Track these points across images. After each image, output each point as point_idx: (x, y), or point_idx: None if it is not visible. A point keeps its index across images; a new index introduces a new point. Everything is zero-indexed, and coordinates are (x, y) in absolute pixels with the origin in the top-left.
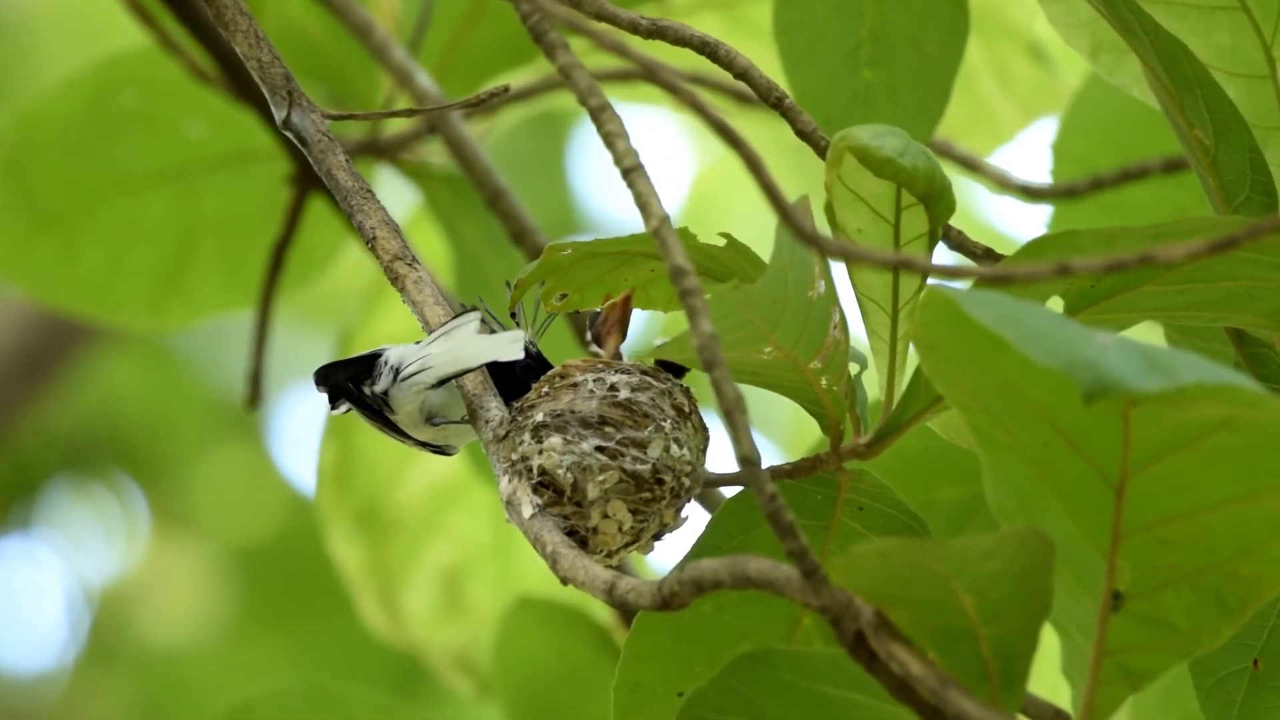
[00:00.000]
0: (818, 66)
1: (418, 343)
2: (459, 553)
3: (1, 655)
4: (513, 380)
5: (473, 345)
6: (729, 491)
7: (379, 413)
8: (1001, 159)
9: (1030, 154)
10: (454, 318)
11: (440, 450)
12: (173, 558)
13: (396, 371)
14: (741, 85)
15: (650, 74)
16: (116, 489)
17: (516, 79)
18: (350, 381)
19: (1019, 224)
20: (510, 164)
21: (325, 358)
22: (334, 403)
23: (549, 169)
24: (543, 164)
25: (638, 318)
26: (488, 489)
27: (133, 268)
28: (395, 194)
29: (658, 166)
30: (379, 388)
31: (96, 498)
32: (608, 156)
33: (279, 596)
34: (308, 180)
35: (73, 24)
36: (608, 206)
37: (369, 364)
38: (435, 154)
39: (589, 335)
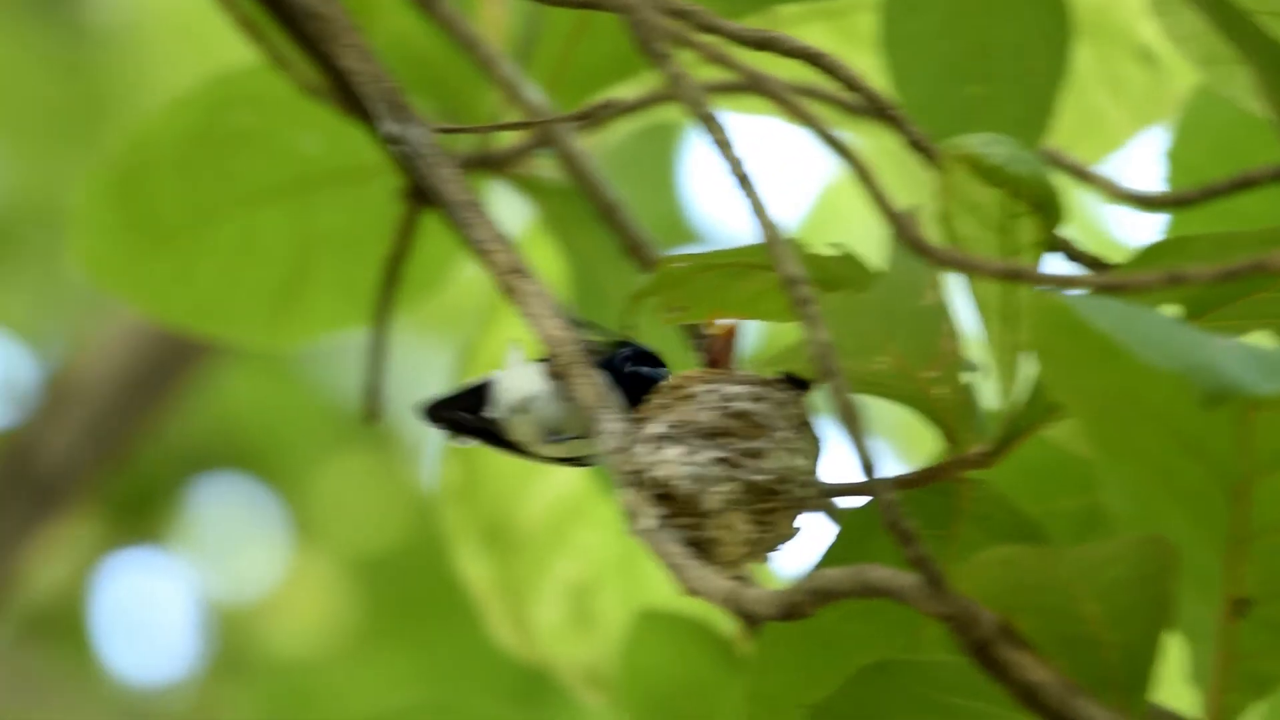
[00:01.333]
0: (924, 80)
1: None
2: (586, 567)
3: (131, 665)
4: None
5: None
6: (850, 502)
7: (499, 439)
8: (1113, 167)
9: (1141, 162)
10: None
11: (578, 463)
12: (298, 569)
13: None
14: (852, 97)
15: (757, 85)
16: (242, 500)
17: (626, 91)
18: (465, 411)
19: (1135, 230)
20: (620, 175)
21: (446, 371)
22: (454, 436)
23: (659, 180)
24: (652, 175)
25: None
26: (612, 503)
27: (249, 285)
28: (509, 208)
29: (781, 177)
30: (492, 413)
31: (222, 509)
32: (718, 166)
33: (404, 606)
34: (421, 195)
35: (181, 38)
36: (719, 216)
37: (478, 393)
38: (547, 168)
39: (701, 357)
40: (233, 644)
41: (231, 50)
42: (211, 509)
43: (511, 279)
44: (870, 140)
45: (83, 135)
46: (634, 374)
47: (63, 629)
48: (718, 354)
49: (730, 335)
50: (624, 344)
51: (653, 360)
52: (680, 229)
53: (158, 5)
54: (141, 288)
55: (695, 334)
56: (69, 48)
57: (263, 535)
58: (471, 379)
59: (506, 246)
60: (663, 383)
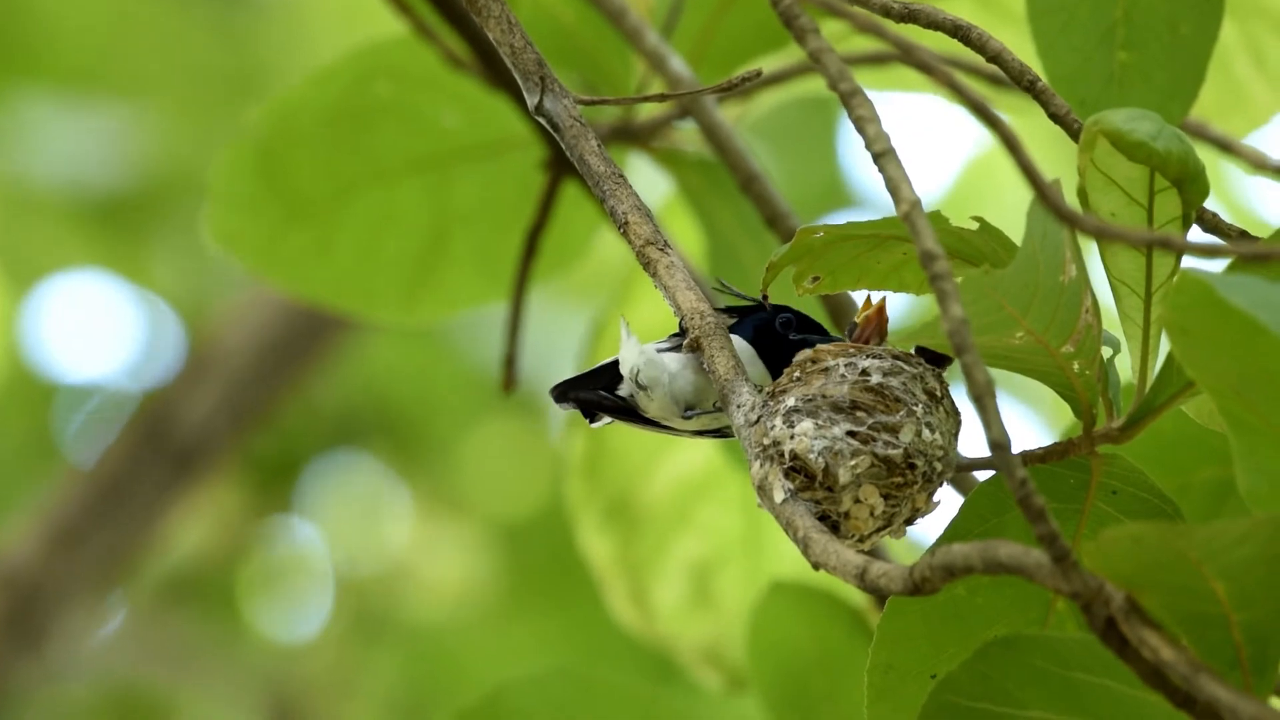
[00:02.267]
0: (1071, 49)
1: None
2: (708, 546)
3: (272, 626)
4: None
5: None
6: (982, 475)
7: (637, 415)
8: (1257, 140)
9: None
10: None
11: (719, 434)
12: (439, 534)
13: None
14: (995, 70)
15: (907, 55)
16: (384, 465)
17: (770, 63)
18: (601, 390)
19: (1275, 208)
20: (779, 141)
21: (581, 342)
22: (590, 417)
23: (819, 145)
24: (812, 140)
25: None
26: (737, 481)
27: (387, 260)
28: (648, 180)
29: (923, 152)
30: (624, 391)
31: (364, 474)
32: (859, 140)
33: (541, 574)
34: (561, 166)
35: (336, 8)
36: (876, 182)
37: (611, 371)
38: (688, 140)
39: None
40: (372, 608)
41: (384, 21)
42: (354, 475)
43: (649, 250)
44: (1012, 118)
45: (237, 103)
46: (800, 340)
47: (205, 594)
48: (868, 337)
49: (879, 315)
50: (780, 309)
51: (813, 327)
52: (839, 193)
53: None
54: (278, 263)
55: (836, 300)
56: (227, 15)
57: (403, 499)
58: (603, 360)
59: (646, 218)
60: (799, 356)
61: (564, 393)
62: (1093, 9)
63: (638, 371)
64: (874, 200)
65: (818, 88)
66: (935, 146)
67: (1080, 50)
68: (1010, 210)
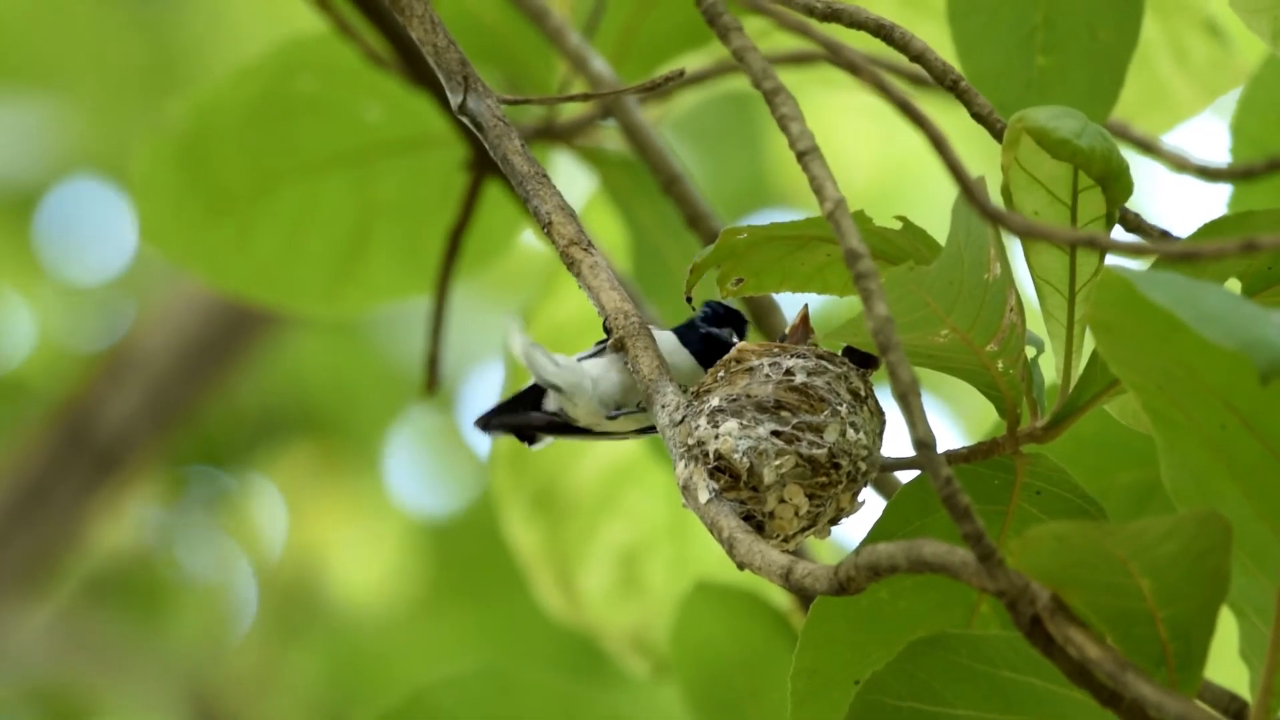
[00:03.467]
0: (992, 52)
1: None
2: (635, 533)
3: (193, 625)
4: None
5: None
6: (905, 476)
7: (571, 428)
8: (1178, 139)
9: (1207, 134)
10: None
11: (651, 433)
12: (361, 531)
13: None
14: (917, 70)
15: (833, 54)
16: (305, 462)
17: (692, 63)
18: (530, 410)
19: (1194, 210)
20: (701, 139)
21: (502, 340)
22: (527, 439)
23: (741, 143)
24: (734, 138)
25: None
26: (664, 469)
27: (309, 253)
28: (571, 179)
29: (843, 151)
30: (551, 406)
31: (285, 471)
32: (783, 139)
33: (465, 571)
34: (484, 165)
35: (256, 3)
36: (799, 182)
37: (534, 394)
38: (611, 139)
39: None
40: (294, 607)
41: (303, 13)
42: (275, 472)
43: (573, 250)
44: (939, 116)
45: (154, 95)
46: (708, 335)
47: (125, 592)
48: (793, 334)
49: (804, 326)
50: (709, 304)
51: (735, 320)
52: (761, 192)
53: None
54: (202, 255)
55: (759, 302)
56: (144, 5)
57: (323, 498)
58: (519, 388)
59: (570, 218)
60: (724, 356)
61: (488, 422)
62: (1013, 12)
63: (551, 374)
64: (796, 199)
65: (741, 85)
66: (850, 147)
67: (1001, 53)
68: (926, 211)
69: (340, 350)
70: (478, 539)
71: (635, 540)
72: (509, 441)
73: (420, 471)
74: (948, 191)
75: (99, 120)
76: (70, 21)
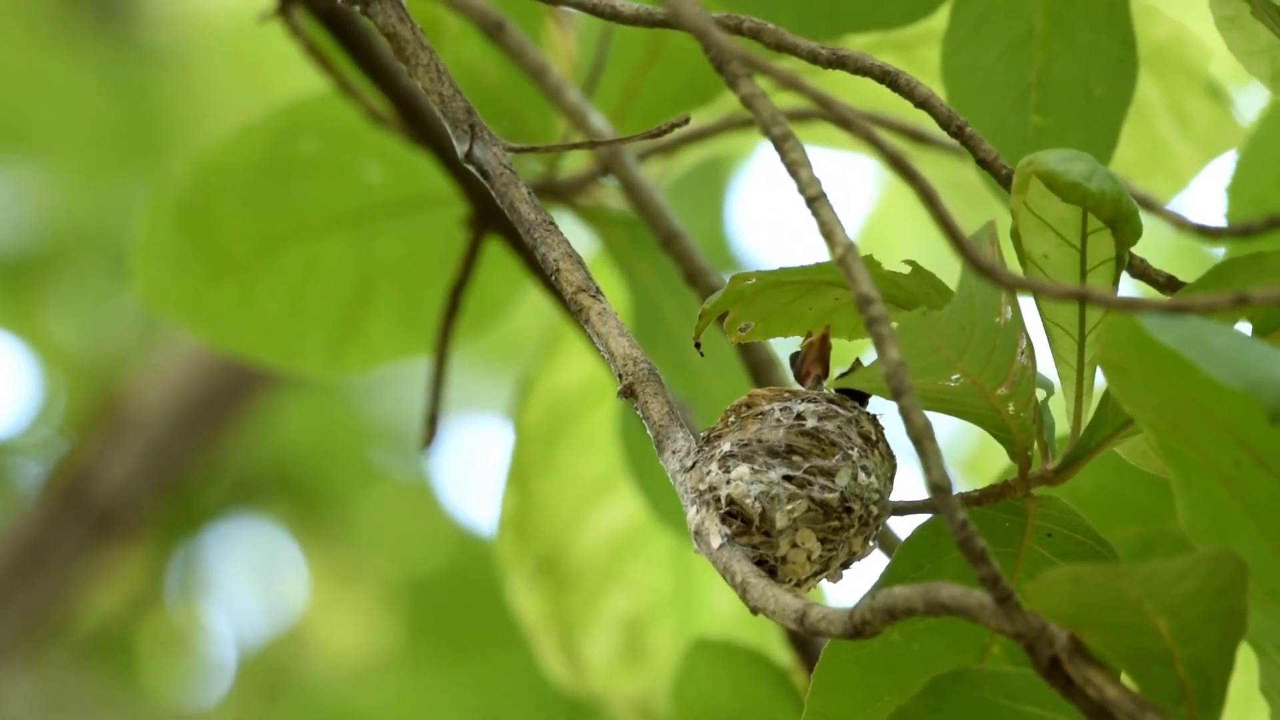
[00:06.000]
0: (986, 111)
1: None
2: (639, 602)
3: (172, 688)
4: None
5: None
6: (911, 521)
7: None
8: (1179, 199)
9: (1208, 193)
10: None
11: None
12: (339, 594)
13: None
14: (917, 124)
15: (826, 107)
16: (282, 524)
17: (691, 122)
18: None
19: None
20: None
21: (503, 401)
22: None
23: (707, 214)
24: (701, 204)
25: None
26: (667, 536)
27: (310, 314)
28: (572, 237)
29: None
30: None
31: (263, 534)
32: (789, 187)
33: (447, 632)
34: (484, 223)
35: (236, 59)
36: (768, 251)
37: None
38: (610, 197)
39: (793, 375)
40: (274, 668)
41: (289, 70)
42: (253, 535)
43: (582, 297)
44: (932, 171)
45: (132, 156)
46: None
47: (107, 654)
48: (809, 366)
49: (821, 345)
50: None
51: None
52: (727, 263)
53: (213, 25)
54: (203, 317)
55: (757, 350)
56: (119, 65)
57: (304, 558)
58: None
59: (578, 265)
60: (735, 402)
61: None
62: (1007, 72)
63: None
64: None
65: (720, 150)
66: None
67: (995, 113)
68: (921, 257)
69: (327, 411)
70: (456, 601)
71: (639, 609)
72: (514, 508)
73: (397, 531)
74: (924, 240)
75: (77, 184)
76: (43, 84)
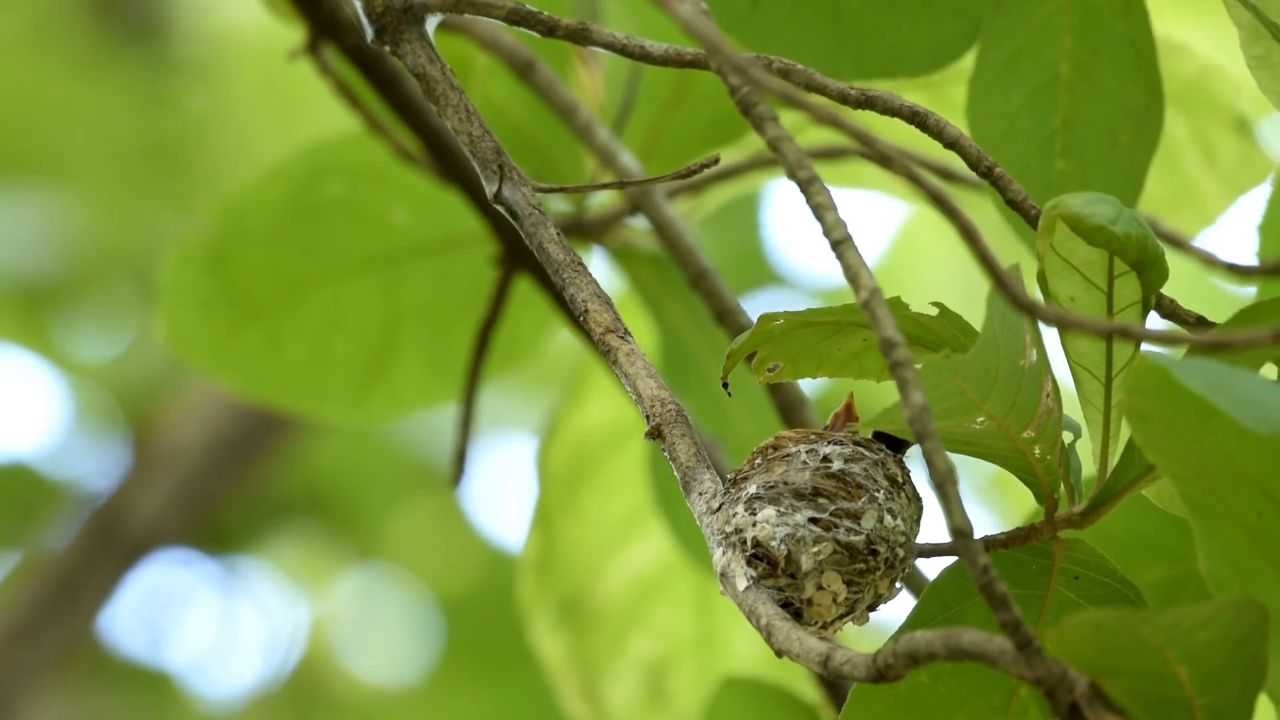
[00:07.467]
0: (1010, 156)
1: None
2: (662, 645)
3: (202, 707)
4: None
5: None
6: (941, 561)
7: None
8: (1208, 236)
9: (1237, 229)
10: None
11: None
12: (372, 611)
13: None
14: (946, 164)
15: (866, 146)
16: (315, 541)
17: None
18: None
19: (1231, 298)
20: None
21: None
22: None
23: (745, 228)
24: (739, 222)
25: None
26: (691, 580)
27: (337, 360)
28: (600, 278)
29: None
30: None
31: (297, 553)
32: (815, 228)
33: (474, 652)
34: (513, 261)
35: (270, 81)
36: (810, 263)
37: None
38: (639, 236)
39: None
40: (304, 690)
41: (317, 91)
42: (287, 553)
43: (609, 338)
44: (969, 211)
45: (158, 179)
46: None
47: (135, 674)
48: (837, 427)
49: (847, 415)
50: None
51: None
52: (767, 275)
53: (243, 43)
54: (230, 365)
55: (787, 390)
56: (153, 84)
57: (336, 574)
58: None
59: (606, 306)
60: (761, 444)
61: None
62: (1032, 117)
63: None
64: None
65: (751, 183)
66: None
67: (1019, 157)
68: (940, 293)
69: (358, 445)
70: (491, 619)
71: (662, 653)
72: (537, 550)
73: (430, 554)
74: (946, 275)
75: (106, 203)
76: (69, 105)
